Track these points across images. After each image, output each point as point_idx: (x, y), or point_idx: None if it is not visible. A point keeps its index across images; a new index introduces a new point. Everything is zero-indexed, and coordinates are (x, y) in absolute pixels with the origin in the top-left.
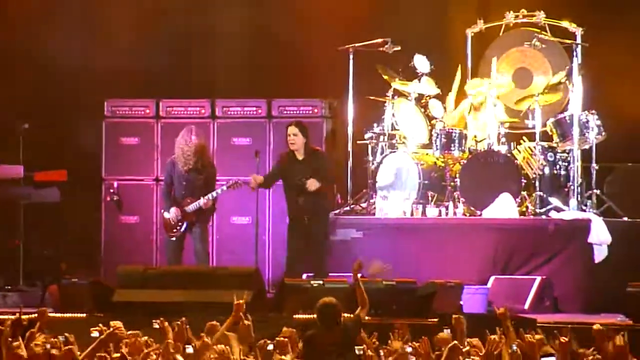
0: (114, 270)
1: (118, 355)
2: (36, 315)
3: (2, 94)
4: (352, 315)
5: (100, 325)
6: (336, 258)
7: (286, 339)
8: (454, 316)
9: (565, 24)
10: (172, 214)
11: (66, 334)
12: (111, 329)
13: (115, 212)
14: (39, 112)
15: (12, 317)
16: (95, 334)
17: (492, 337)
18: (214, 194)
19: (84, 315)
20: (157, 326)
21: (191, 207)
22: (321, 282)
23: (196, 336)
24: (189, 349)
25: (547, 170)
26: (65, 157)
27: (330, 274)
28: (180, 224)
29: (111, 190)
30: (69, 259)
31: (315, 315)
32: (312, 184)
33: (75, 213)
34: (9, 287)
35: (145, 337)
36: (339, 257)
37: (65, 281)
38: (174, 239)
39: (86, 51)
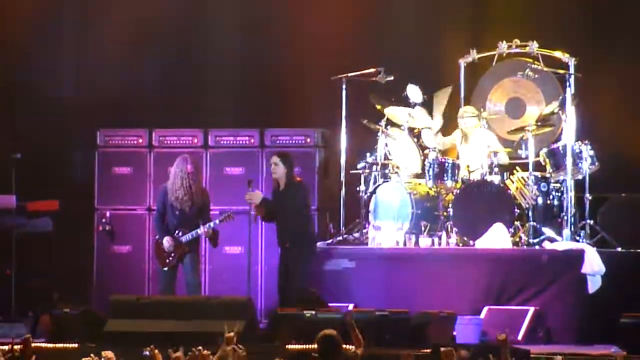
0: (106, 300)
1: None
2: (21, 345)
3: None
4: (351, 350)
5: (92, 355)
6: (329, 288)
7: None
8: (442, 349)
9: (558, 54)
10: (166, 243)
11: None
12: None
13: (108, 242)
14: (31, 141)
15: (3, 347)
16: None
17: None
18: (212, 224)
19: (76, 345)
20: (147, 353)
21: (185, 238)
22: (314, 312)
23: None
24: None
25: (540, 201)
26: (57, 186)
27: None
28: (173, 254)
29: (103, 220)
30: (61, 289)
31: (311, 346)
32: (205, 231)
33: (67, 243)
34: (0, 318)
35: None
36: (332, 287)
37: (57, 311)
38: (166, 269)
39: (78, 80)
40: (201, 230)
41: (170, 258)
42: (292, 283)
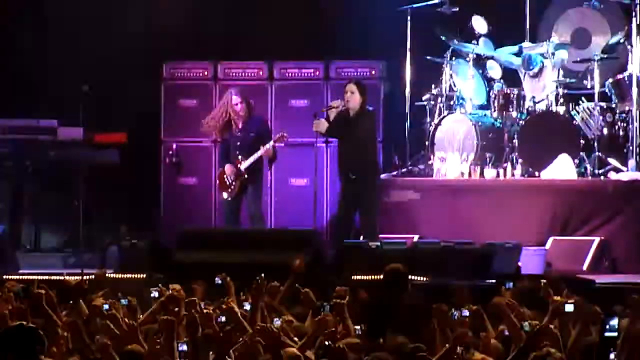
0: (173, 231)
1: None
2: (95, 276)
3: (62, 57)
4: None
5: (160, 285)
6: (393, 219)
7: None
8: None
9: None
10: (227, 169)
11: (128, 297)
12: (171, 292)
13: (174, 174)
14: (99, 75)
15: (75, 277)
16: (154, 294)
17: (557, 297)
18: (271, 143)
19: (144, 275)
20: (219, 281)
21: (244, 164)
22: (379, 243)
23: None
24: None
25: (605, 131)
26: (125, 119)
27: (386, 235)
28: (234, 182)
29: (170, 152)
30: (128, 221)
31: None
32: (266, 151)
33: (134, 175)
34: (70, 249)
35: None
36: (396, 218)
37: (125, 243)
38: (229, 199)
39: (146, 14)
40: (261, 150)
41: (232, 187)
42: (367, 213)
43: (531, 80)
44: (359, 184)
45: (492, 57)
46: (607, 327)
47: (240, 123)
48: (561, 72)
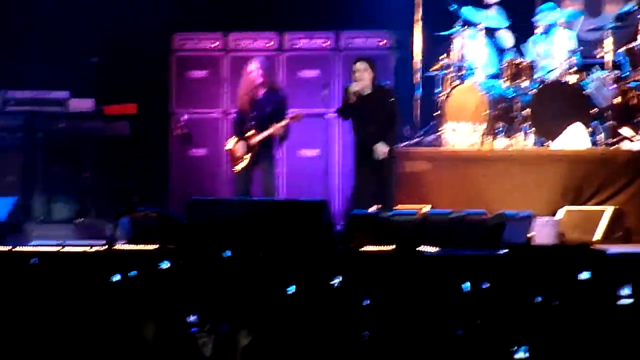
0: (184, 202)
1: None
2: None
3: (71, 28)
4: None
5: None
6: (405, 190)
7: None
8: None
9: None
10: (238, 146)
11: None
12: None
13: (185, 145)
14: (108, 46)
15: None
16: (165, 264)
17: None
18: (283, 122)
19: (157, 246)
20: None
21: (256, 138)
22: (389, 214)
23: None
24: None
25: (618, 100)
26: (135, 90)
27: (399, 206)
28: (244, 156)
29: (180, 124)
30: (139, 192)
31: (387, 247)
32: (381, 151)
33: (145, 146)
34: (82, 219)
35: None
36: (408, 188)
37: (136, 214)
38: (240, 170)
39: None
40: (272, 128)
41: (242, 159)
42: (384, 184)
43: (542, 49)
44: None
45: (503, 27)
46: (620, 295)
47: (258, 94)
48: (574, 40)
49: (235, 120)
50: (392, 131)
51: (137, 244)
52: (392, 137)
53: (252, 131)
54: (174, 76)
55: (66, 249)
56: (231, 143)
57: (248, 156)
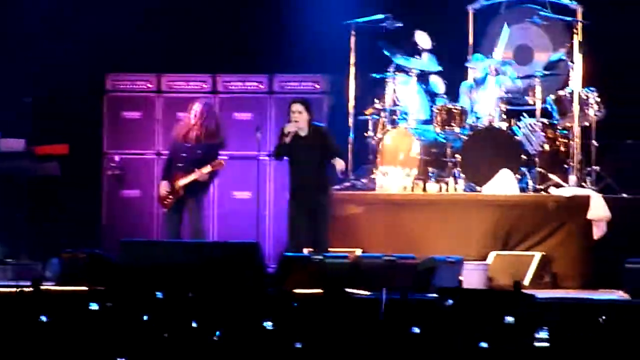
0: (115, 244)
1: None
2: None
3: (4, 67)
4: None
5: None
6: (336, 233)
7: None
8: None
9: (566, 1)
10: (161, 188)
11: None
12: None
13: (117, 186)
14: (41, 85)
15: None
16: (94, 306)
17: None
18: (204, 170)
19: (86, 288)
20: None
21: (181, 182)
22: (322, 257)
23: None
24: None
25: (547, 147)
26: (67, 131)
27: (332, 249)
28: (169, 197)
29: (112, 164)
30: (70, 233)
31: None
32: (340, 164)
33: (76, 187)
34: (11, 261)
35: None
36: (339, 232)
37: (65, 255)
38: (169, 212)
39: (89, 25)
40: (196, 174)
41: (168, 200)
42: (319, 227)
43: (473, 96)
44: (312, 198)
45: (435, 73)
46: (536, 337)
47: (191, 136)
48: (503, 88)
49: (166, 162)
50: (323, 171)
51: (65, 285)
52: (327, 178)
53: (179, 174)
54: (107, 116)
55: None
56: (159, 185)
57: (172, 199)
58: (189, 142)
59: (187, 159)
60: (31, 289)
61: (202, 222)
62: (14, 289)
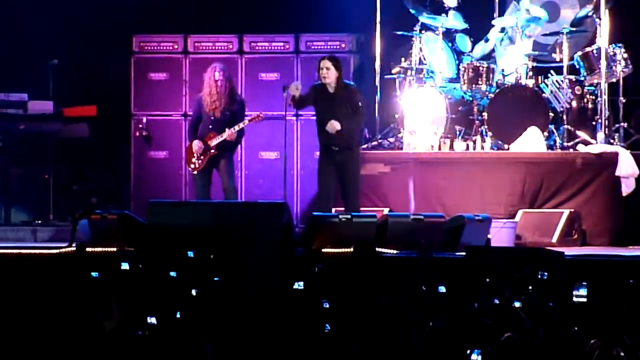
0: (144, 204)
1: None
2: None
3: (31, 30)
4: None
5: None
6: (363, 192)
7: None
8: None
9: None
10: (195, 145)
11: None
12: None
13: (144, 148)
14: (68, 48)
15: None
16: (125, 266)
17: None
18: (237, 127)
19: (115, 249)
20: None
21: (214, 141)
22: (349, 216)
23: None
24: None
25: (574, 104)
26: (94, 92)
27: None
28: (202, 156)
29: (140, 126)
30: (99, 194)
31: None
32: (332, 126)
33: (104, 148)
34: (39, 222)
35: None
36: (367, 191)
37: (95, 216)
38: (195, 172)
39: None
40: (226, 133)
41: (199, 162)
42: (350, 186)
43: (501, 53)
44: (342, 156)
45: (461, 31)
46: (575, 295)
47: (220, 100)
48: (530, 44)
49: (190, 124)
50: (356, 130)
51: (95, 247)
52: (355, 135)
53: (211, 134)
54: (134, 78)
55: (24, 251)
56: (189, 145)
57: (203, 159)
58: (216, 106)
59: (218, 120)
60: (74, 249)
61: (235, 181)
62: (54, 251)
